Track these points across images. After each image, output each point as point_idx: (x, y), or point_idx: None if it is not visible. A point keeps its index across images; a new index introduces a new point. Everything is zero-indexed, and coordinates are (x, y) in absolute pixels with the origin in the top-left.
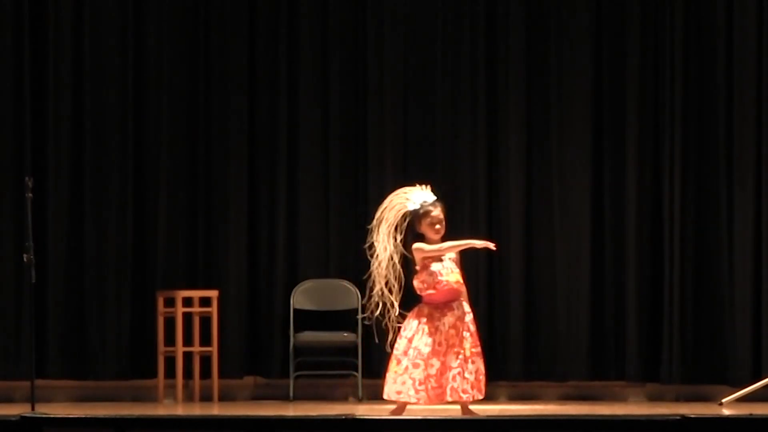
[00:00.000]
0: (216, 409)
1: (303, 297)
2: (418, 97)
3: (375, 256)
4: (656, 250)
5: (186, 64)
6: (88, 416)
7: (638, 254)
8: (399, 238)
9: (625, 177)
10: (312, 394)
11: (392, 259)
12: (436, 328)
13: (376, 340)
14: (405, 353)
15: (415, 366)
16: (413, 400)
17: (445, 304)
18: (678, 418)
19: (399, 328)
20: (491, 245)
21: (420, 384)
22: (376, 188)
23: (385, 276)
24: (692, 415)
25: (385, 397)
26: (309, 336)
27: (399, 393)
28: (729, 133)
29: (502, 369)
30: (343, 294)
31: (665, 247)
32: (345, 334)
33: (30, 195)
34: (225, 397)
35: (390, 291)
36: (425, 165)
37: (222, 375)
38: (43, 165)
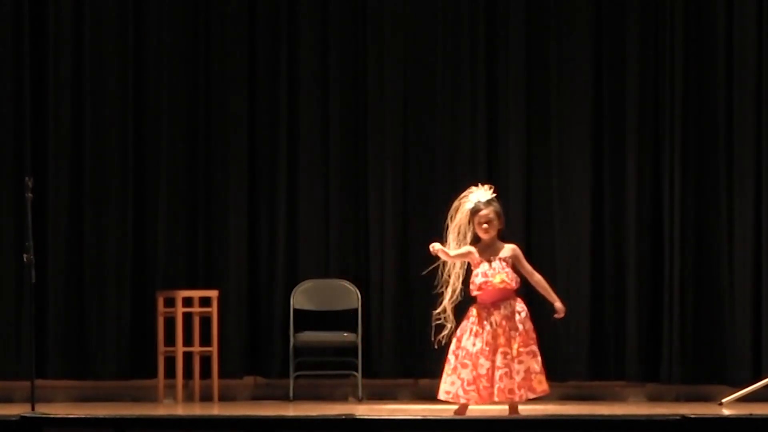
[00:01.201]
0: (216, 409)
1: (303, 297)
2: (418, 97)
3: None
4: (656, 250)
5: (186, 64)
6: (88, 416)
7: (638, 254)
8: (469, 236)
9: (625, 177)
10: (312, 394)
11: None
12: (483, 328)
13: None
14: (454, 353)
15: (464, 366)
16: (462, 400)
17: (493, 304)
18: (678, 418)
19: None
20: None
21: (469, 384)
22: (376, 188)
23: (448, 279)
24: (692, 415)
25: (438, 396)
26: (309, 336)
27: (448, 393)
28: (729, 133)
29: None
30: (343, 294)
31: (665, 247)
32: (345, 334)
33: (30, 195)
34: (225, 397)
35: (453, 294)
36: (425, 165)
37: (222, 375)
38: (43, 165)
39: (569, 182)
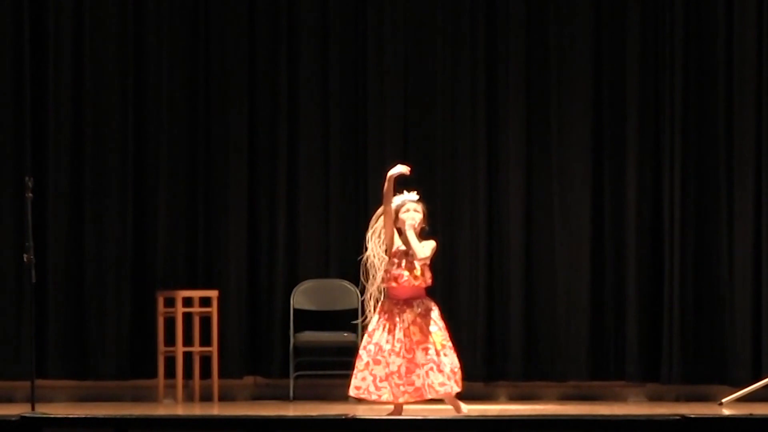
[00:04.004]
0: (216, 409)
1: (303, 297)
2: (418, 98)
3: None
4: (656, 250)
5: (186, 64)
6: (88, 416)
7: (638, 254)
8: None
9: (625, 177)
10: (312, 394)
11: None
12: (395, 325)
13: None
14: (365, 348)
15: (376, 363)
16: (374, 397)
17: (405, 301)
18: (678, 418)
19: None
20: (403, 170)
21: (381, 381)
22: (376, 188)
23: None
24: (692, 415)
25: (348, 393)
26: (309, 336)
27: (358, 388)
28: (729, 133)
29: (502, 369)
30: (343, 294)
31: (665, 247)
32: (345, 334)
33: (30, 195)
34: (225, 397)
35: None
36: (425, 165)
37: (222, 375)
38: (43, 165)
39: (569, 182)
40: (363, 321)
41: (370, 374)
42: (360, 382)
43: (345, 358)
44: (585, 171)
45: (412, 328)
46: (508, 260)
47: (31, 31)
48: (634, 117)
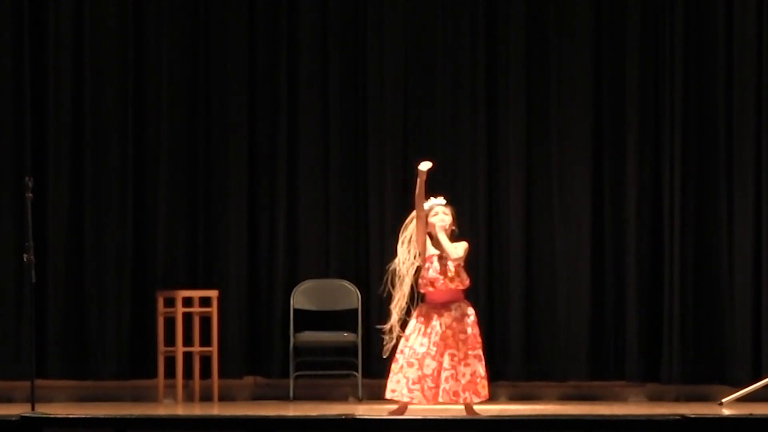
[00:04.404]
0: (216, 409)
1: (303, 297)
2: (418, 98)
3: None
4: (656, 250)
5: (186, 63)
6: (88, 416)
7: (638, 254)
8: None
9: (625, 177)
10: (312, 394)
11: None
12: (432, 328)
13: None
14: (401, 351)
15: (410, 365)
16: (406, 399)
17: (443, 305)
18: (678, 418)
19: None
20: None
21: (414, 383)
22: (376, 188)
23: (399, 281)
24: (692, 415)
25: (385, 395)
26: (309, 336)
27: (393, 391)
28: (729, 133)
29: (502, 369)
30: (343, 294)
31: (665, 247)
32: (345, 334)
33: (30, 195)
34: (225, 397)
35: (402, 299)
36: None
37: (222, 375)
38: (43, 165)
39: (569, 182)
40: (385, 328)
41: (404, 377)
42: (395, 384)
43: (345, 358)
44: (585, 171)
45: (446, 332)
46: (508, 260)
47: (31, 31)
48: (634, 117)
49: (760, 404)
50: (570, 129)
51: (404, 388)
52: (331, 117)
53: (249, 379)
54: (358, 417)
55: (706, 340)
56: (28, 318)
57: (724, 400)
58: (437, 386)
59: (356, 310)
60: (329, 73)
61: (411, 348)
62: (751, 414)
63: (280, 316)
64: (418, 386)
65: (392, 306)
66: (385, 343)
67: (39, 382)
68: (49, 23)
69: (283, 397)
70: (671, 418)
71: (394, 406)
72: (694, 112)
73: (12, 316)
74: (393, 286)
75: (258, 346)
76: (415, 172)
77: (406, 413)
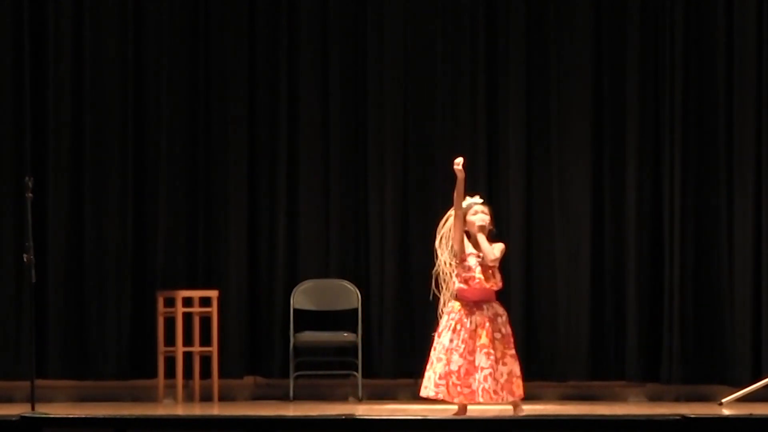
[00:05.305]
0: (216, 409)
1: (303, 297)
2: (418, 98)
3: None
4: (656, 250)
5: (186, 63)
6: (88, 416)
7: (638, 254)
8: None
9: (625, 177)
10: (312, 394)
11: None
12: (463, 326)
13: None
14: (434, 348)
15: (438, 360)
16: (431, 393)
17: (476, 303)
18: (678, 418)
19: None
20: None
21: (440, 378)
22: (376, 188)
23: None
24: (692, 415)
25: (419, 393)
26: (309, 336)
27: (425, 388)
28: (729, 133)
29: None
30: (343, 294)
31: (665, 247)
32: (345, 334)
33: (30, 195)
34: (225, 397)
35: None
36: (425, 165)
37: (222, 375)
38: (43, 165)
39: (569, 182)
40: (439, 332)
41: (433, 372)
42: (426, 381)
43: (345, 358)
44: (585, 171)
45: (478, 330)
46: (508, 260)
47: (31, 31)
48: (634, 117)
49: (760, 404)
50: (570, 129)
51: (432, 383)
52: (331, 117)
53: (249, 379)
54: (358, 417)
55: (706, 340)
56: (28, 318)
57: (724, 400)
58: (467, 385)
59: (356, 310)
60: (329, 73)
61: (441, 344)
62: (751, 414)
63: (280, 316)
64: (443, 381)
65: (441, 308)
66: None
67: (39, 382)
68: (49, 23)
69: (283, 397)
70: (671, 418)
71: (394, 406)
72: (694, 112)
73: (12, 316)
74: (439, 289)
75: (258, 346)
76: (415, 177)
77: (408, 414)
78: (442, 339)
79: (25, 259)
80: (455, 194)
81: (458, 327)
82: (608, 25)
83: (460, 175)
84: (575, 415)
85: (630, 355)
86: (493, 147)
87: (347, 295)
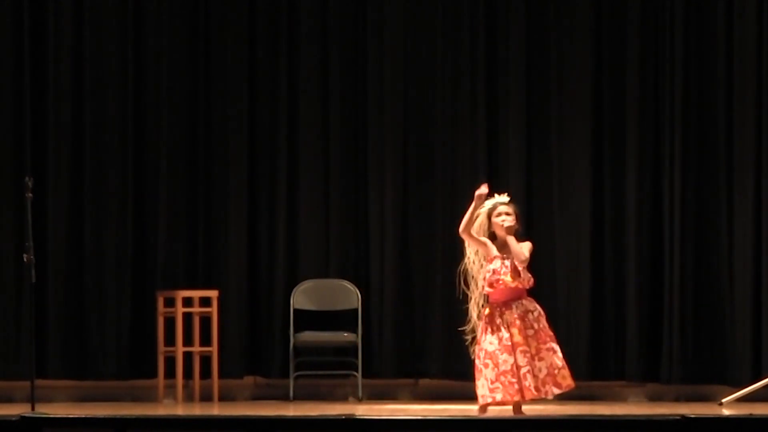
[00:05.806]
0: (216, 409)
1: (303, 297)
2: (418, 98)
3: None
4: (656, 250)
5: (186, 64)
6: (88, 416)
7: (638, 254)
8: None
9: (625, 177)
10: (312, 394)
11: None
12: (498, 327)
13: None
14: (477, 357)
15: (485, 366)
16: (489, 399)
17: (504, 303)
18: (678, 418)
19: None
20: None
21: (493, 382)
22: (376, 188)
23: (472, 283)
24: (692, 415)
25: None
26: (309, 336)
27: (483, 396)
28: (729, 133)
29: None
30: (343, 294)
31: (665, 247)
32: (345, 334)
33: (30, 195)
34: (225, 397)
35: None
36: (425, 165)
37: (222, 375)
38: (43, 165)
39: (569, 182)
40: (469, 331)
41: (485, 379)
42: (481, 389)
43: (345, 358)
44: (585, 171)
45: (511, 330)
46: None
47: (31, 31)
48: (634, 117)
49: (760, 404)
50: (570, 129)
51: (487, 390)
52: (331, 117)
53: (249, 379)
54: (358, 417)
55: (706, 340)
56: (28, 318)
57: (724, 400)
58: (518, 381)
59: (356, 310)
60: (329, 73)
61: (483, 350)
62: (751, 414)
63: (280, 316)
64: (498, 384)
65: (470, 305)
66: (467, 343)
67: (39, 382)
68: (49, 24)
69: (283, 397)
70: (671, 418)
71: (394, 406)
72: (694, 112)
73: (12, 316)
74: (467, 286)
75: (258, 346)
76: (415, 177)
77: (409, 414)
78: (483, 345)
79: (25, 259)
80: (467, 216)
81: (494, 329)
82: (608, 25)
83: (478, 200)
84: (575, 415)
85: (630, 355)
86: (493, 147)
87: (347, 295)
